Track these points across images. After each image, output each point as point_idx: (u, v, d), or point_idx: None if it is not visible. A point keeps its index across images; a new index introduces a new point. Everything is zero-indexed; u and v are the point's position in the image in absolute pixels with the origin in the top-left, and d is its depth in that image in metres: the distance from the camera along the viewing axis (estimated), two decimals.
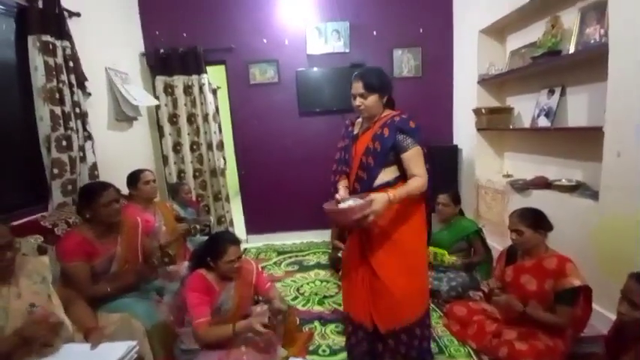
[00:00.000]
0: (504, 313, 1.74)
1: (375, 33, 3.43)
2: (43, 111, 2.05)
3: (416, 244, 1.62)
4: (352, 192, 1.61)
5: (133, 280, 1.74)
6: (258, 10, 3.37)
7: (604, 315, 1.80)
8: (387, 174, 1.56)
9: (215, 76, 3.73)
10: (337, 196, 1.56)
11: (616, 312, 1.23)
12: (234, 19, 3.38)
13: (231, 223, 3.68)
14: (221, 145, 3.54)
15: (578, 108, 2.24)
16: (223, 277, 1.70)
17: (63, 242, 1.63)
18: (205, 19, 3.36)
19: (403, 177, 1.55)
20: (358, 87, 1.55)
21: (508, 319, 1.72)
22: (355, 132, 1.71)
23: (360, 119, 1.72)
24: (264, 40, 3.42)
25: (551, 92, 2.39)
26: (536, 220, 1.65)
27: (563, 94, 2.32)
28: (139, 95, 3.01)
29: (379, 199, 1.37)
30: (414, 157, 1.52)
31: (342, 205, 1.45)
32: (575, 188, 2.15)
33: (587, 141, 2.15)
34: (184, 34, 3.35)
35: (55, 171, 2.09)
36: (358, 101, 1.57)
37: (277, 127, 3.57)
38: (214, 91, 3.61)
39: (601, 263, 1.83)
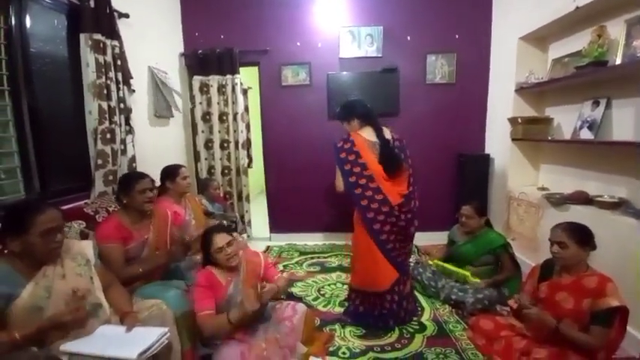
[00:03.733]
0: (535, 330, 1.67)
1: (408, 38, 3.40)
2: (91, 105, 2.19)
3: (353, 237, 2.14)
4: None
5: (164, 261, 1.84)
6: (293, 13, 3.44)
7: (636, 338, 1.72)
8: None
9: (247, 76, 3.84)
10: None
11: None
12: (269, 22, 3.46)
13: (250, 224, 3.73)
14: (247, 144, 3.62)
15: (624, 121, 2.12)
16: (228, 270, 1.76)
17: (102, 225, 1.77)
18: (242, 22, 3.47)
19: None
20: None
21: (538, 337, 1.65)
22: None
23: None
24: (298, 43, 3.48)
25: (596, 104, 2.28)
26: (583, 236, 1.57)
27: (608, 106, 2.21)
28: (176, 97, 3.18)
29: None
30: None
31: None
32: (617, 205, 2.04)
33: (632, 156, 2.03)
34: (221, 36, 3.47)
35: (99, 162, 2.23)
36: None
37: (306, 128, 3.61)
38: (245, 92, 3.71)
39: (639, 285, 1.73)
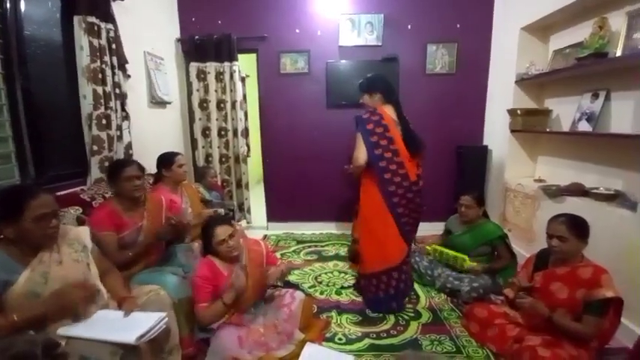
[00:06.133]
0: (528, 318, 1.70)
1: (409, 27, 3.36)
2: (86, 90, 2.15)
3: (364, 213, 2.16)
4: None
5: (152, 240, 1.83)
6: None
7: (629, 328, 1.75)
8: None
9: (245, 64, 3.78)
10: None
11: None
12: (268, 8, 3.40)
13: (249, 211, 3.76)
14: (245, 133, 3.60)
15: (623, 114, 2.13)
16: (230, 260, 1.75)
17: (95, 213, 1.75)
18: (240, 7, 3.40)
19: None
20: None
21: (531, 325, 1.68)
22: None
23: None
24: (297, 31, 3.43)
25: (595, 96, 2.28)
26: (582, 229, 1.58)
27: (607, 98, 2.21)
28: (164, 87, 3.11)
29: None
30: (356, 140, 2.08)
31: None
32: (613, 197, 2.06)
33: (630, 149, 2.04)
34: (219, 22, 3.41)
35: (95, 147, 2.20)
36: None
37: (304, 117, 3.59)
38: (243, 79, 3.66)
39: (633, 276, 1.75)
